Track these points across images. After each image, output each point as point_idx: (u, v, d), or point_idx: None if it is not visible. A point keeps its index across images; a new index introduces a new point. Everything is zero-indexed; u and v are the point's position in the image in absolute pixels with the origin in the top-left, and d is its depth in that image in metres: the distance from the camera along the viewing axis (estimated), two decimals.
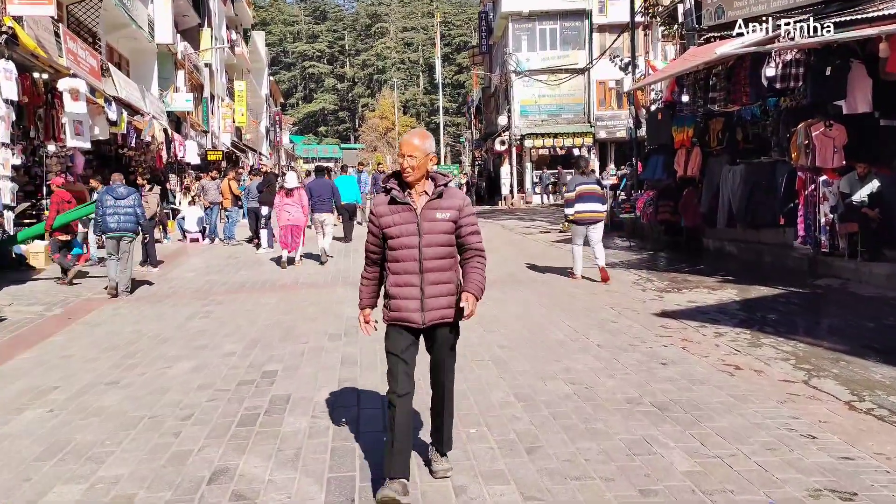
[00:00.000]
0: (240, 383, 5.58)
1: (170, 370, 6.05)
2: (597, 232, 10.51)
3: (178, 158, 24.16)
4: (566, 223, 11.40)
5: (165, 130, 22.00)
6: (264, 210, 14.63)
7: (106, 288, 10.22)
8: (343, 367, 6.01)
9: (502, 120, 37.14)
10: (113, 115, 16.40)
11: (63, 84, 13.48)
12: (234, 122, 39.61)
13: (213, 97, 35.32)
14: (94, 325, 8.11)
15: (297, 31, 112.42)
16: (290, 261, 12.63)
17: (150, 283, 11.15)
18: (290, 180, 13.23)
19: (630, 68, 19.20)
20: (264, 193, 14.75)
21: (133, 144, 19.23)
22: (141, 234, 13.04)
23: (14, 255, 12.74)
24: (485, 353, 6.47)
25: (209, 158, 30.59)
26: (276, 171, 19.10)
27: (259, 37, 56.13)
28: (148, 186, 12.52)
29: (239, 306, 8.99)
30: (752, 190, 12.36)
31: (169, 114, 26.43)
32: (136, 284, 10.94)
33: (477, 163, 50.82)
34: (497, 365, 6.04)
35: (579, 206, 10.39)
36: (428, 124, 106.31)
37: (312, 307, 8.74)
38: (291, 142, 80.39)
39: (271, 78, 65.07)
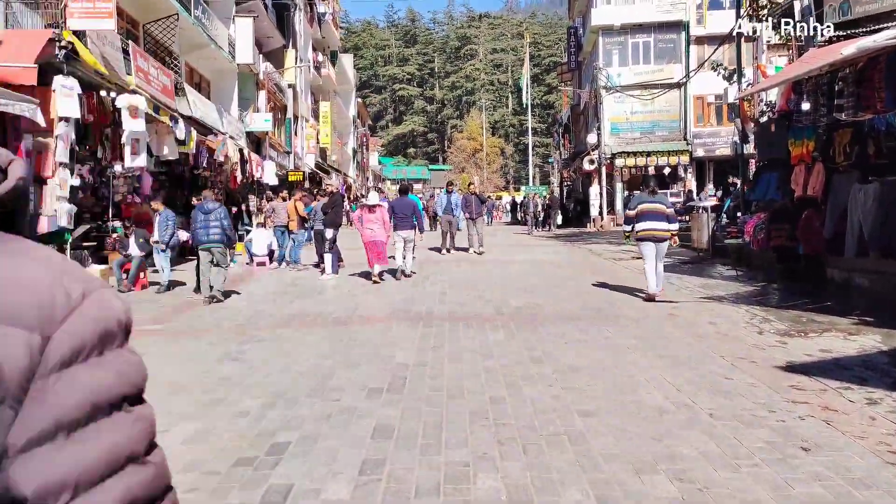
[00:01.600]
0: (237, 462, 4.32)
1: (165, 435, 4.86)
2: (661, 251, 10.62)
3: (255, 179, 23.66)
4: (626, 239, 11.60)
5: (241, 150, 21.49)
6: (329, 233, 13.58)
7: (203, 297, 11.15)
8: (374, 440, 4.66)
9: (591, 138, 35.42)
10: (181, 135, 15.81)
11: (122, 101, 12.88)
12: (318, 142, 39.42)
13: (296, 118, 35.12)
14: None
15: (387, 55, 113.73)
16: (377, 274, 13.09)
17: (200, 311, 10.21)
18: (372, 198, 13.69)
19: (735, 77, 17.30)
20: (329, 215, 13.72)
21: (205, 164, 18.69)
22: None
23: None
24: (559, 421, 5.00)
25: (290, 179, 30.20)
26: (342, 192, 18.01)
27: (347, 59, 56.39)
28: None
29: (278, 346, 7.83)
30: (889, 212, 10.40)
31: (249, 134, 26.13)
32: (184, 313, 10.03)
33: (565, 183, 49.03)
34: (574, 443, 4.57)
35: (643, 224, 10.60)
36: (517, 145, 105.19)
37: (359, 349, 7.47)
38: (380, 163, 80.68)
39: (359, 99, 65.32)
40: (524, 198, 35.59)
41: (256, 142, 27.78)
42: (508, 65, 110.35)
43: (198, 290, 11.70)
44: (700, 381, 6.03)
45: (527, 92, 74.75)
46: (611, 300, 10.68)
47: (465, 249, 18.67)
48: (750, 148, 17.50)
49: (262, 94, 27.93)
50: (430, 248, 19.16)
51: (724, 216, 17.57)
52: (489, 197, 43.06)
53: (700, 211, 17.87)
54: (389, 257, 13.55)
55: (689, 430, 4.77)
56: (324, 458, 4.34)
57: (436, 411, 5.24)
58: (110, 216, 14.85)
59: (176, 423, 5.11)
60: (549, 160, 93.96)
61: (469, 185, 18.50)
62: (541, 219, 31.68)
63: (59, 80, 12.17)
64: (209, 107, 20.93)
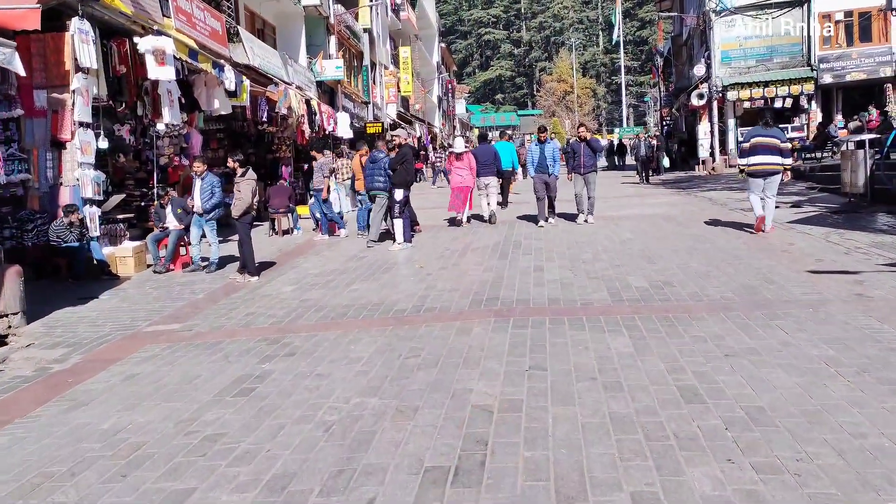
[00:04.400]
0: None
1: None
2: (772, 185, 10.62)
3: (327, 132, 21.57)
4: (741, 174, 11.45)
5: (309, 102, 19.37)
6: (398, 194, 11.25)
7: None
8: None
9: (698, 70, 31.55)
10: (230, 85, 13.75)
11: (145, 44, 10.81)
12: (399, 91, 37.09)
13: (374, 65, 32.82)
14: (77, 406, 5.06)
15: None
16: (460, 222, 13.85)
17: (237, 300, 8.17)
18: (458, 145, 14.34)
19: None
20: (398, 172, 11.36)
21: (265, 119, 16.67)
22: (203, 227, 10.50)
23: (95, 262, 10.33)
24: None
25: (369, 132, 28.03)
26: (413, 144, 15.58)
27: (428, 1, 53.38)
28: (240, 171, 9.54)
29: (313, 362, 5.61)
30: None
31: (320, 84, 24.02)
32: (216, 303, 8.01)
33: (665, 123, 44.98)
34: None
35: (755, 159, 10.64)
36: (609, 85, 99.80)
37: (423, 372, 5.15)
38: (467, 111, 77.82)
39: (443, 44, 62.32)
40: (634, 140, 30.54)
41: (329, 92, 25.67)
42: (598, 0, 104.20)
43: (242, 269, 9.68)
44: None
45: (618, 28, 69.92)
46: (764, 273, 7.96)
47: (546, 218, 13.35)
48: None
49: (333, 40, 25.67)
50: (520, 217, 14.47)
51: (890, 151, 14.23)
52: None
53: (849, 146, 14.59)
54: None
55: None
56: None
57: None
58: (155, 182, 13.03)
59: None
60: (645, 99, 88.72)
61: (578, 128, 13.61)
62: (650, 165, 26.70)
63: (76, 24, 10.21)
64: (270, 54, 18.83)
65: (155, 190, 12.90)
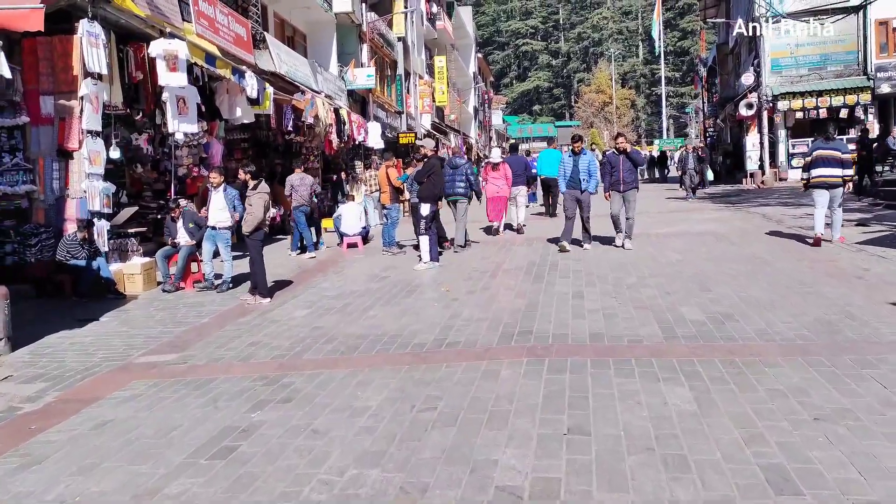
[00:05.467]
0: None
1: None
2: (836, 197, 10.62)
3: (357, 143, 20.84)
4: (805, 188, 11.32)
5: (337, 111, 18.66)
6: (424, 208, 10.38)
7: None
8: None
9: (746, 79, 30.21)
10: (252, 92, 13.05)
11: (156, 47, 10.13)
12: (433, 101, 36.37)
13: (408, 74, 32.13)
14: (28, 465, 4.26)
15: (510, 9, 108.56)
16: (497, 231, 14.20)
17: (242, 326, 7.36)
18: (495, 155, 14.78)
19: None
20: (425, 185, 10.49)
21: (290, 127, 15.98)
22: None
23: (102, 279, 9.63)
24: None
25: (401, 142, 27.30)
26: (442, 155, 14.73)
27: (465, 11, 52.71)
28: (252, 184, 8.77)
29: (311, 412, 4.74)
30: None
31: (351, 93, 23.36)
32: (220, 329, 7.22)
33: (709, 134, 43.53)
34: None
35: (815, 172, 10.67)
36: (648, 96, 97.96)
37: (438, 433, 4.24)
38: (504, 122, 76.94)
39: (479, 55, 61.59)
40: (682, 152, 27.96)
41: (361, 101, 25.01)
42: (638, 10, 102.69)
43: (253, 290, 8.89)
44: None
45: (659, 38, 68.44)
46: (840, 305, 6.90)
47: (580, 242, 11.66)
48: None
49: (366, 48, 25.02)
50: (550, 240, 12.50)
51: None
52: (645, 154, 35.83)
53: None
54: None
55: None
56: None
57: None
58: (173, 193, 12.35)
59: None
60: (687, 110, 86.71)
61: (617, 138, 11.63)
62: (696, 179, 24.22)
63: (84, 26, 9.56)
64: (299, 61, 18.17)
65: (171, 202, 12.23)
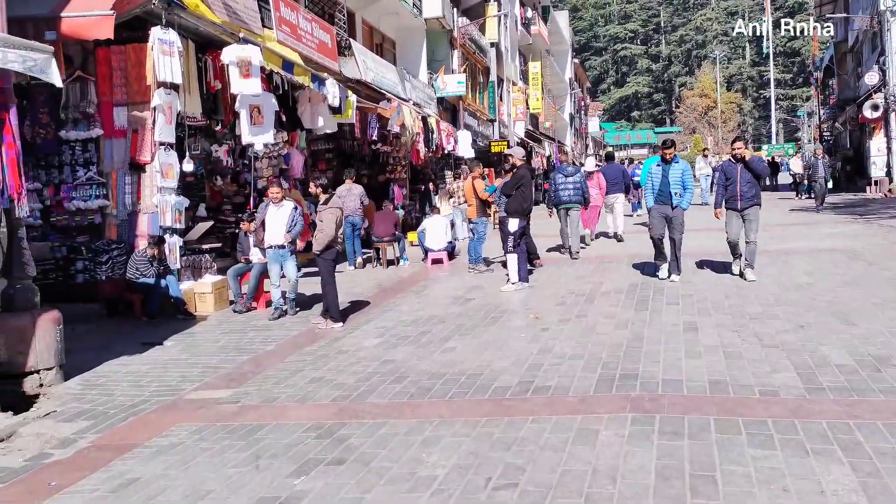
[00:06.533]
0: None
1: None
2: None
3: (446, 152, 20.09)
4: None
5: (425, 119, 17.95)
6: (512, 224, 9.38)
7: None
8: None
9: (870, 78, 27.70)
10: (333, 100, 12.46)
11: (228, 54, 9.60)
12: (527, 108, 35.32)
13: (501, 81, 31.22)
14: None
15: (608, 14, 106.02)
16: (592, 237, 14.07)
17: (310, 352, 6.60)
18: (589, 164, 14.68)
19: None
20: (513, 198, 9.50)
21: (374, 136, 15.35)
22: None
23: (172, 299, 9.15)
24: None
25: (493, 150, 26.39)
26: (533, 167, 13.78)
27: (561, 16, 51.39)
28: (322, 198, 8.04)
29: (364, 481, 3.86)
30: None
31: (441, 101, 22.66)
32: (283, 361, 6.49)
33: (825, 138, 40.52)
34: None
35: None
36: (756, 100, 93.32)
37: None
38: (601, 128, 74.90)
39: (576, 60, 60.01)
40: (811, 159, 23.54)
41: (451, 109, 24.28)
42: (745, 11, 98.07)
43: (325, 314, 8.15)
44: None
45: (768, 38, 64.86)
46: None
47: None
48: None
49: (456, 54, 24.28)
50: (635, 266, 10.79)
51: None
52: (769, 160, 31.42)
53: None
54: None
55: None
56: None
57: None
58: (251, 207, 11.87)
59: None
60: (798, 113, 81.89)
61: (733, 144, 9.40)
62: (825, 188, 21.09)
63: (156, 33, 9.14)
64: (385, 69, 17.58)
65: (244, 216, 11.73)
